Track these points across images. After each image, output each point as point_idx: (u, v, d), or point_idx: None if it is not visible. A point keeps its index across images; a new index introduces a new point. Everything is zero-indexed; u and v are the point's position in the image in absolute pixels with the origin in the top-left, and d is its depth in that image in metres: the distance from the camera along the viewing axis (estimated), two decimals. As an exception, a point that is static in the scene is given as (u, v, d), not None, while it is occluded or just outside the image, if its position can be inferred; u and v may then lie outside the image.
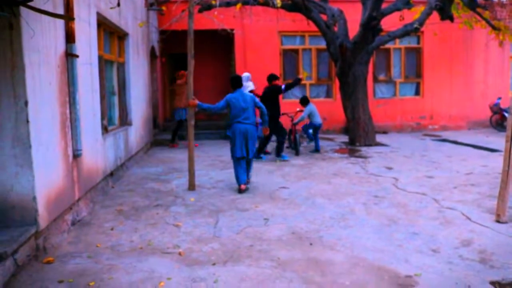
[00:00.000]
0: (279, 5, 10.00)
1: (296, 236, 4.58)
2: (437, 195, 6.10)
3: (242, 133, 6.39)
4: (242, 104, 6.44)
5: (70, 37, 4.94)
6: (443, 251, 4.15)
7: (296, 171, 7.94)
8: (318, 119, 10.02)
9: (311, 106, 10.13)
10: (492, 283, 3.51)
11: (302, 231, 4.73)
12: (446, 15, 10.32)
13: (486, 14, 10.90)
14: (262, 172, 7.89)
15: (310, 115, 10.05)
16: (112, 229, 4.85)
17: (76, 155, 5.11)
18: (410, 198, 6.00)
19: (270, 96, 8.93)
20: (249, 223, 5.00)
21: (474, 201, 5.82)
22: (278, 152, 9.15)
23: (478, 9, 10.70)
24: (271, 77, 9.23)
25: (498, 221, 4.92)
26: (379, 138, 11.68)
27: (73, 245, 4.38)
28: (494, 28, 11.10)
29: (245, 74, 10.41)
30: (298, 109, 10.45)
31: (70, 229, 4.79)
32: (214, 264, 3.87)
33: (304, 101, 10.30)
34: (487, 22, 10.95)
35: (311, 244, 4.36)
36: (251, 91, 9.57)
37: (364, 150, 10.23)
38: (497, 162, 7.95)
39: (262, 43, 13.09)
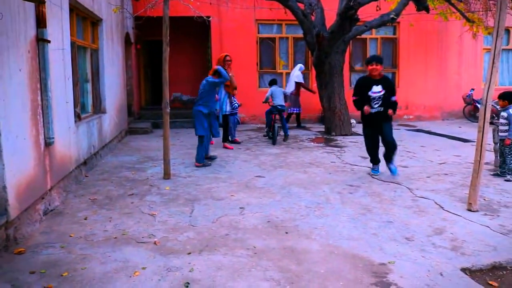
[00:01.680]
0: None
1: (272, 225, 4.59)
2: (411, 185, 6.20)
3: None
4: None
5: (41, 22, 4.79)
6: (416, 239, 4.22)
7: (272, 160, 7.95)
8: (278, 101, 10.03)
9: (274, 88, 10.24)
10: (463, 269, 3.60)
11: (278, 220, 4.74)
12: (422, 6, 10.41)
13: (461, 6, 11.04)
14: (238, 161, 7.88)
15: (272, 97, 10.10)
16: (85, 218, 4.77)
17: (48, 143, 4.99)
18: (385, 188, 6.08)
19: None
20: (224, 212, 4.99)
21: (447, 190, 5.94)
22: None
23: (453, 1, 10.83)
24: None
25: (469, 210, 5.04)
26: (355, 128, 11.77)
27: (45, 235, 4.29)
28: (468, 20, 11.27)
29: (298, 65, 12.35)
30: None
31: (42, 219, 4.69)
32: (189, 253, 3.85)
33: (270, 83, 10.57)
34: (462, 14, 11.10)
35: (286, 232, 4.38)
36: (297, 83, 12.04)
37: (340, 139, 10.32)
38: (469, 152, 8.14)
39: (238, 31, 13.00)
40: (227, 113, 9.23)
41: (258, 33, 13.41)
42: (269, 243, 4.10)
